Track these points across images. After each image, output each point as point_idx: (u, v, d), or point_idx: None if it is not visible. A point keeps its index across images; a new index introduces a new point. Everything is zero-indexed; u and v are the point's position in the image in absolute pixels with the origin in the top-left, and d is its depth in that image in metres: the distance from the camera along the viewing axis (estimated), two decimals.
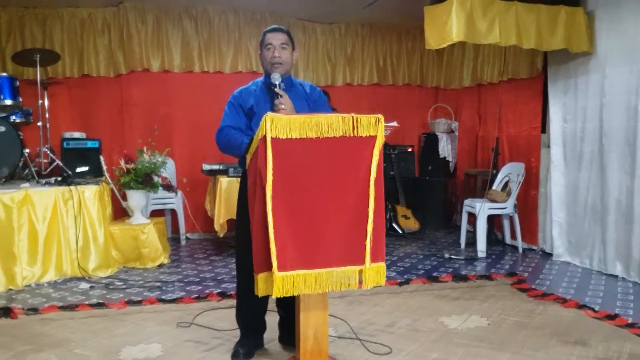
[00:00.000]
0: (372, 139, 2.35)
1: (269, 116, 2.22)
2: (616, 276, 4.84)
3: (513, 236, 6.10)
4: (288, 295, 2.32)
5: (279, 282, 2.28)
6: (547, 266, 5.34)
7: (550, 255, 5.67)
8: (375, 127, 2.34)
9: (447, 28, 4.52)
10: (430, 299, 4.26)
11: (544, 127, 5.86)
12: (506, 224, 6.23)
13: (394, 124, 2.66)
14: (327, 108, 3.20)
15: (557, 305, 4.05)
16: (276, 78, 2.90)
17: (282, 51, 2.98)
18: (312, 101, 3.09)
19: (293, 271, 2.30)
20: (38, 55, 5.44)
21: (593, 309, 3.93)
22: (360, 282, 2.42)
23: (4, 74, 5.48)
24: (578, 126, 5.31)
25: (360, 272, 2.41)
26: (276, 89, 2.86)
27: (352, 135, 2.32)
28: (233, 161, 5.78)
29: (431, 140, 7.49)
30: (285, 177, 2.26)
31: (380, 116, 2.35)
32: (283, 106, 2.80)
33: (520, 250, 5.93)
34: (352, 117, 2.32)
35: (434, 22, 4.71)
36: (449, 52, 7.52)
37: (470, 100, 7.38)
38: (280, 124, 2.23)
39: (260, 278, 2.37)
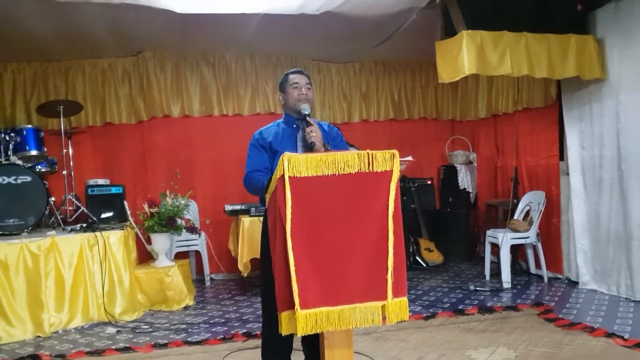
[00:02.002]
0: (388, 173, 2.38)
1: (286, 156, 2.28)
2: None
3: (537, 265, 6.03)
4: (312, 333, 2.33)
5: (302, 320, 2.28)
6: (574, 295, 5.26)
7: (576, 283, 5.59)
8: (390, 162, 2.38)
9: (458, 61, 4.60)
10: (457, 332, 4.22)
11: (562, 155, 5.85)
12: (530, 253, 6.16)
13: (409, 158, 2.69)
14: (345, 145, 3.30)
15: (586, 335, 3.98)
16: (306, 108, 3.05)
17: (307, 90, 3.14)
18: (331, 139, 3.19)
19: (315, 309, 2.31)
20: (61, 106, 5.62)
21: (623, 337, 3.85)
22: (384, 318, 2.42)
23: (29, 126, 5.70)
24: (596, 153, 5.30)
25: (383, 307, 2.41)
26: (308, 118, 2.99)
27: (367, 171, 2.36)
28: (254, 201, 5.89)
29: (450, 172, 7.50)
30: (304, 214, 2.30)
31: (395, 151, 2.39)
32: (314, 134, 2.92)
33: (546, 280, 5.86)
34: (367, 153, 2.36)
35: (445, 57, 4.79)
36: (463, 85, 7.58)
37: (487, 131, 7.41)
38: (298, 163, 2.28)
39: (284, 317, 2.39)
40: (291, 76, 3.18)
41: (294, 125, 3.15)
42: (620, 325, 4.20)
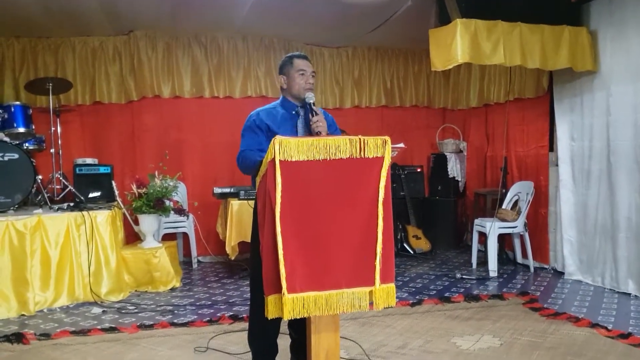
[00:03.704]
0: (380, 160, 2.38)
1: (277, 139, 2.27)
2: (629, 294, 4.81)
3: (524, 255, 6.08)
4: (298, 317, 2.33)
5: (289, 304, 2.28)
6: (559, 285, 5.31)
7: (561, 273, 5.64)
8: (382, 148, 2.37)
9: (452, 50, 4.58)
10: (442, 319, 4.25)
11: (552, 146, 5.87)
12: (517, 243, 6.21)
13: (401, 145, 2.67)
14: (338, 133, 3.28)
15: (570, 325, 4.03)
16: (311, 97, 3.03)
17: (312, 79, 3.11)
18: (328, 125, 3.17)
19: (303, 293, 2.31)
20: (50, 84, 5.53)
21: (606, 328, 3.90)
22: (371, 304, 2.43)
23: (17, 103, 5.62)
24: (585, 144, 5.32)
25: (371, 293, 2.42)
26: (314, 107, 2.98)
27: (359, 156, 2.35)
28: (243, 184, 5.87)
29: (440, 161, 7.51)
30: (294, 199, 2.29)
31: (387, 138, 2.38)
32: (320, 123, 2.91)
33: (532, 269, 5.90)
34: (359, 139, 2.35)
35: (439, 44, 4.77)
36: (456, 73, 7.57)
37: (478, 120, 7.42)
38: (289, 147, 2.26)
39: (270, 300, 2.39)
40: (297, 61, 3.11)
41: (293, 112, 3.12)
42: (604, 316, 4.25)
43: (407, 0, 5.22)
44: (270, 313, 2.39)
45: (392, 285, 2.46)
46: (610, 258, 5.05)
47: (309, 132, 2.98)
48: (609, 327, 3.91)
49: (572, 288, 5.19)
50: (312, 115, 2.95)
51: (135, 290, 5.25)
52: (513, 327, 4.00)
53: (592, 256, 5.28)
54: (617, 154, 4.92)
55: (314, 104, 3.00)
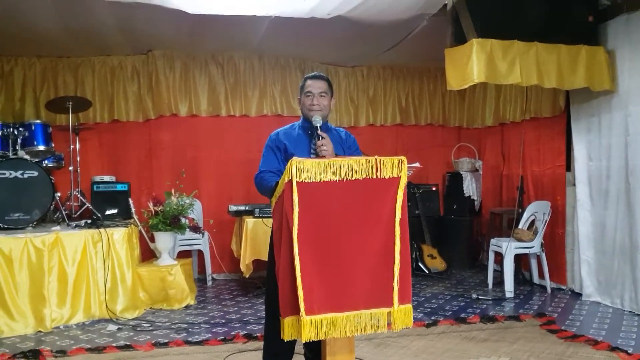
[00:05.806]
0: (396, 180, 2.38)
1: (294, 161, 2.28)
2: None
3: (541, 275, 6.01)
4: (316, 339, 2.32)
5: (307, 326, 2.27)
6: (577, 306, 5.23)
7: (579, 295, 5.56)
8: (398, 168, 2.38)
9: (467, 69, 4.58)
10: (458, 341, 4.20)
11: (569, 166, 5.83)
12: (533, 263, 6.14)
13: (417, 165, 2.67)
14: (359, 153, 3.27)
15: (589, 347, 3.96)
16: (317, 120, 3.03)
17: (320, 99, 3.11)
18: (347, 147, 3.19)
19: (321, 315, 2.30)
20: (70, 103, 5.64)
21: (626, 352, 3.82)
22: (389, 324, 2.41)
23: (38, 121, 5.70)
24: (603, 164, 5.27)
25: (389, 314, 2.41)
26: (318, 131, 2.98)
27: (375, 177, 2.36)
28: (258, 202, 5.89)
29: (455, 179, 7.49)
30: (311, 220, 2.29)
31: (403, 158, 2.39)
32: (325, 147, 2.91)
33: (549, 290, 5.83)
34: (376, 159, 2.35)
35: (454, 64, 4.77)
36: (471, 92, 7.57)
37: (494, 139, 7.40)
38: (306, 168, 2.28)
39: (287, 322, 2.38)
40: (307, 82, 3.14)
41: (309, 132, 3.14)
42: (624, 339, 4.17)
43: (423, 20, 5.25)
44: (287, 335, 2.38)
45: (409, 306, 2.44)
46: (629, 279, 4.97)
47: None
48: (629, 351, 3.83)
49: (590, 310, 5.11)
50: (318, 139, 2.95)
51: (150, 308, 5.26)
52: (530, 349, 3.94)
53: (611, 277, 5.20)
54: (635, 174, 4.86)
55: (319, 127, 2.99)
